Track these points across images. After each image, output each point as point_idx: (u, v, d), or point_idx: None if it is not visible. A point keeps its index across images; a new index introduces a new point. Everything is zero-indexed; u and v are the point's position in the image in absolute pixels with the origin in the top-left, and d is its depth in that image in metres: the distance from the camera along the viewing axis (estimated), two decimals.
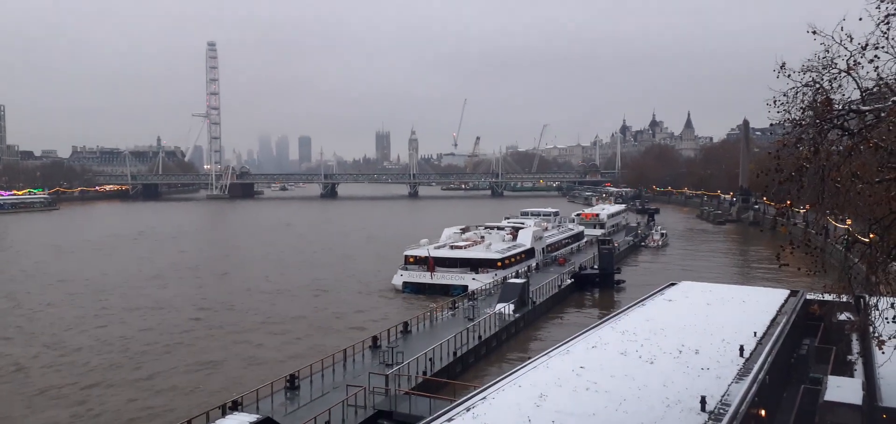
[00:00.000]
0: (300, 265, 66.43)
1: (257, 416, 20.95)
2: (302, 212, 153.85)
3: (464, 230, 62.20)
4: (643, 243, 78.48)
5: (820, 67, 9.51)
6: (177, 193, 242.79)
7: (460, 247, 54.97)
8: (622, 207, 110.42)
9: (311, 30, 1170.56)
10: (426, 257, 51.47)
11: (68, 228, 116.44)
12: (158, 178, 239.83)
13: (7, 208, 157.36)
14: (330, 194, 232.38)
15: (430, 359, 28.44)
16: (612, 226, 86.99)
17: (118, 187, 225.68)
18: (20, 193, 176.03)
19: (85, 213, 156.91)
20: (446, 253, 53.07)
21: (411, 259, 52.31)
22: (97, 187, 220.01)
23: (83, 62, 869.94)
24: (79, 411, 27.05)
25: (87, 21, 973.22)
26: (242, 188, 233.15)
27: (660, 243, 78.64)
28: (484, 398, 18.06)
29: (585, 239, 73.30)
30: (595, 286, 50.97)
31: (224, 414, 21.53)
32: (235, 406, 22.10)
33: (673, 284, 34.30)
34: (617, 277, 52.20)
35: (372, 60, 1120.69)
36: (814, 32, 9.34)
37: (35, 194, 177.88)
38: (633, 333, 24.14)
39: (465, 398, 18.50)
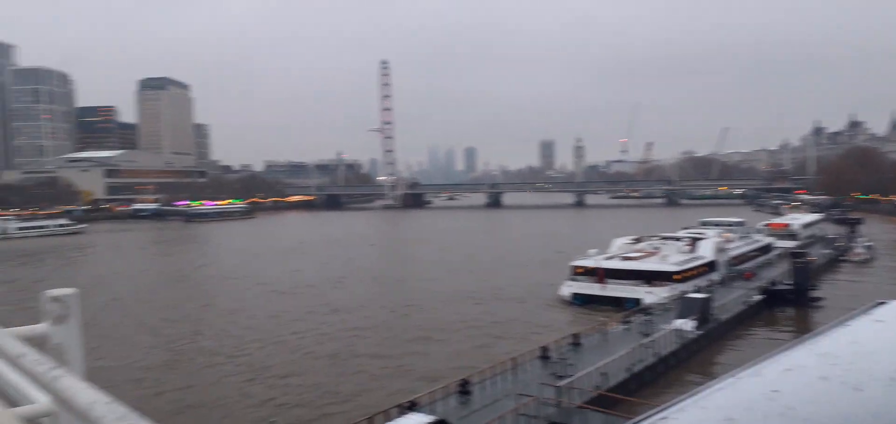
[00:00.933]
0: (468, 271, 67.90)
1: (433, 417, 21.69)
2: (468, 220, 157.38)
3: (636, 241, 59.87)
4: (844, 257, 70.41)
5: None
6: (355, 202, 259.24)
7: (633, 258, 52.94)
8: (818, 216, 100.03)
9: (477, 41, 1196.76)
10: (595, 268, 50.26)
11: (263, 234, 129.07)
12: (339, 189, 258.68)
13: (213, 217, 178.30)
14: (495, 203, 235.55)
15: (603, 374, 27.59)
16: (807, 237, 79.01)
17: (305, 197, 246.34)
18: (223, 203, 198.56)
19: (277, 221, 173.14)
20: (617, 264, 51.28)
21: (580, 270, 51.27)
22: (286, 198, 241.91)
23: (273, 84, 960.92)
24: (272, 397, 29.73)
25: (276, 46, 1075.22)
26: (413, 198, 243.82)
27: (864, 257, 70.01)
28: (664, 418, 16.93)
29: (776, 252, 67.24)
30: (787, 303, 46.44)
31: (401, 414, 22.56)
32: (412, 407, 23.05)
33: (882, 303, 30.07)
34: (813, 294, 47.22)
35: (536, 69, 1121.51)
36: None
37: (235, 204, 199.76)
38: (834, 356, 21.38)
39: (642, 416, 17.61)
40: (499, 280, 60.87)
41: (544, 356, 30.24)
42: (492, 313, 47.25)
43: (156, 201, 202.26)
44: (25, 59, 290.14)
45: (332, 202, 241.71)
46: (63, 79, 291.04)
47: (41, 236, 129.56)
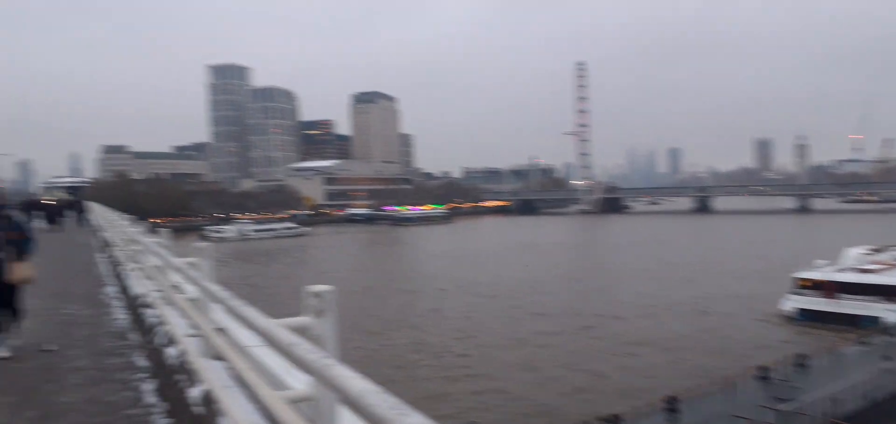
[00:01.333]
0: (674, 281, 64.30)
1: None
2: (673, 227, 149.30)
3: (875, 251, 52.46)
4: None
5: None
6: (550, 207, 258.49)
7: (871, 271, 46.39)
8: None
9: (680, 39, 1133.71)
10: (824, 280, 44.80)
11: (461, 238, 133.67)
12: (534, 194, 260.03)
13: (416, 221, 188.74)
14: (702, 207, 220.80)
15: (835, 400, 24.49)
16: None
17: (500, 202, 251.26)
18: (425, 208, 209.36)
19: (474, 225, 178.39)
20: (852, 277, 45.20)
21: (805, 283, 46.01)
22: (483, 203, 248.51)
23: (471, 91, 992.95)
24: (468, 399, 30.47)
25: (474, 56, 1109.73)
26: (611, 203, 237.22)
27: None
28: None
29: None
30: None
31: None
32: (616, 421, 22.27)
33: None
34: None
35: (748, 62, 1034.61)
36: None
37: (436, 209, 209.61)
38: None
39: None
40: (706, 291, 56.87)
41: (763, 376, 27.51)
42: (698, 326, 44.25)
43: (367, 206, 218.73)
44: (259, 79, 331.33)
45: (526, 207, 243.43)
46: (289, 96, 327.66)
47: (273, 237, 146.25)
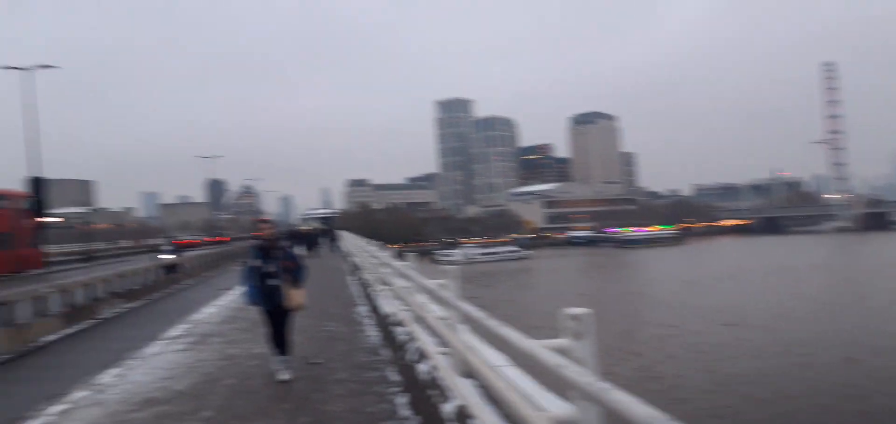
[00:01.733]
0: None
1: None
2: None
3: None
4: None
5: None
6: (798, 225, 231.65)
7: None
8: None
9: None
10: None
11: (696, 260, 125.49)
12: (778, 210, 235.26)
13: (642, 243, 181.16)
14: None
15: None
16: None
17: (738, 221, 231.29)
18: (652, 229, 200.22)
19: (709, 247, 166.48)
20: None
21: None
22: (718, 222, 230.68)
23: (700, 103, 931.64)
24: None
25: (702, 67, 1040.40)
26: (875, 218, 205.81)
27: None
28: None
29: None
30: None
31: None
32: None
33: None
34: None
35: None
36: None
37: (664, 229, 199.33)
38: None
39: None
40: None
41: None
42: None
43: (588, 228, 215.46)
44: (480, 109, 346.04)
45: (770, 226, 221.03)
46: (508, 123, 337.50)
47: (497, 260, 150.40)
